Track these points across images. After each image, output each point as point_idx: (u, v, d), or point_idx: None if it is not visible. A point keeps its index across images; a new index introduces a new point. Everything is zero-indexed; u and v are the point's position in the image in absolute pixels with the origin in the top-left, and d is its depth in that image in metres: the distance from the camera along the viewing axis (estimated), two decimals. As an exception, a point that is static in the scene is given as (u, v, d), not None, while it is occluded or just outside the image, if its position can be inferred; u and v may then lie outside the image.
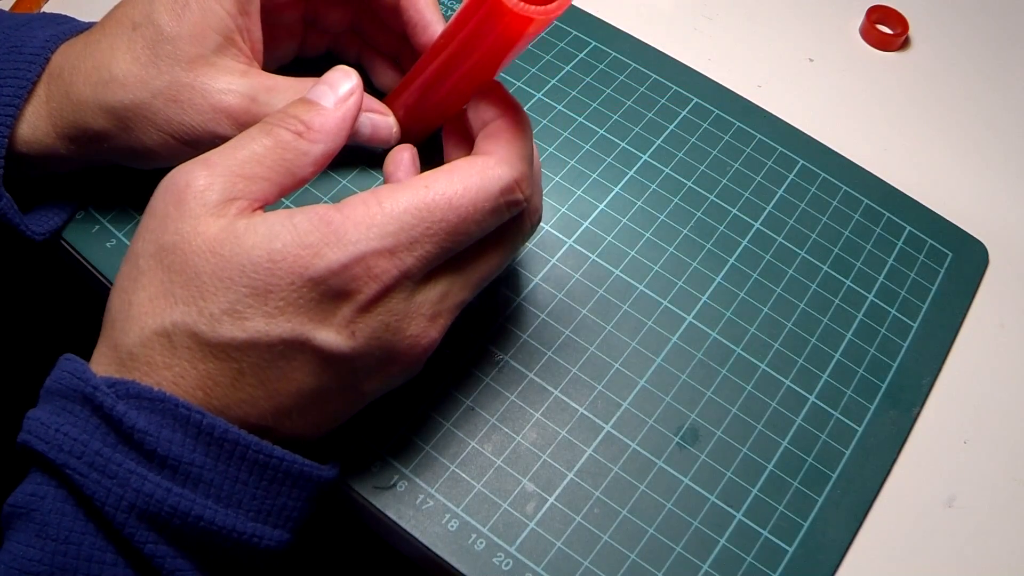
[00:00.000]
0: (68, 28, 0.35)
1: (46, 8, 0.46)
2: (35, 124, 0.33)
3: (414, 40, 0.36)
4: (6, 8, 0.45)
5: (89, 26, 0.35)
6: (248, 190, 0.27)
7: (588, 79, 0.43)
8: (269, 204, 0.28)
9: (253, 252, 0.25)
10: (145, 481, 0.25)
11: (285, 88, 0.34)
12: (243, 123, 0.33)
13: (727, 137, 0.41)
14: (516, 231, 0.29)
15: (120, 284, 0.27)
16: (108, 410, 0.25)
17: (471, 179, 0.27)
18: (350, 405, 0.29)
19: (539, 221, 0.31)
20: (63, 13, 0.37)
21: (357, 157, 0.39)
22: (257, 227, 0.26)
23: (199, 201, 0.26)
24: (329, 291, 0.25)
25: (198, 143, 0.33)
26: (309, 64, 0.40)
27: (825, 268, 0.38)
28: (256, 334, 0.25)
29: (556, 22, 0.45)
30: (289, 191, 0.28)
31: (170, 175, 0.27)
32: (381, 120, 0.37)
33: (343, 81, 0.30)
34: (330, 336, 0.26)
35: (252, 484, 0.26)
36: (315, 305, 0.26)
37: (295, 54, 0.40)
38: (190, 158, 0.34)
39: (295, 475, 0.27)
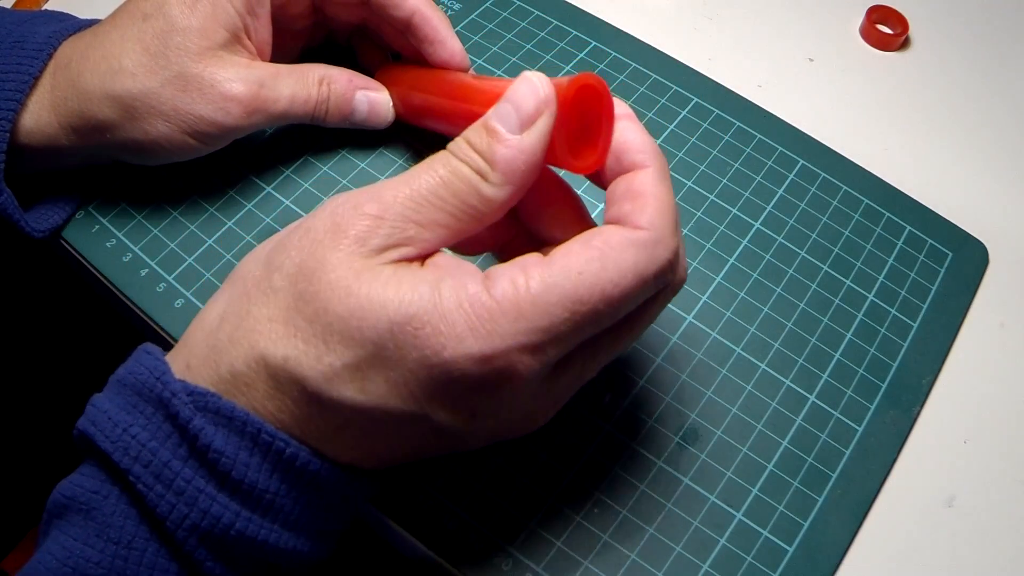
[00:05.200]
0: (70, 25, 0.35)
1: (47, 7, 0.46)
2: (38, 115, 0.33)
3: (430, 55, 0.36)
4: (7, 7, 0.45)
5: (90, 23, 0.36)
6: (420, 236, 0.24)
7: (588, 79, 0.43)
8: (445, 248, 0.26)
9: (389, 307, 0.23)
10: (214, 503, 0.24)
11: (288, 74, 0.34)
12: (251, 110, 0.33)
13: (727, 137, 0.41)
14: (661, 302, 0.26)
15: (244, 285, 0.25)
16: (184, 422, 0.24)
17: (626, 264, 0.23)
18: (443, 454, 0.27)
19: (683, 283, 0.27)
20: (64, 11, 0.37)
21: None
22: (402, 280, 0.23)
23: (359, 241, 0.24)
24: (463, 378, 0.23)
25: (205, 135, 0.33)
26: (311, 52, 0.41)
27: (825, 268, 0.38)
28: (375, 400, 0.24)
29: (556, 22, 0.45)
30: (468, 235, 0.25)
31: (343, 197, 0.25)
32: (378, 98, 0.37)
33: (527, 97, 0.24)
34: (450, 418, 0.24)
35: (320, 508, 0.26)
36: (444, 387, 0.23)
37: (301, 52, 0.40)
38: (194, 152, 0.34)
39: (355, 500, 0.27)
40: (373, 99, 0.36)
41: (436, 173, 0.24)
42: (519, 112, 0.24)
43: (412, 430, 0.25)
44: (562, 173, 0.29)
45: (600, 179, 0.27)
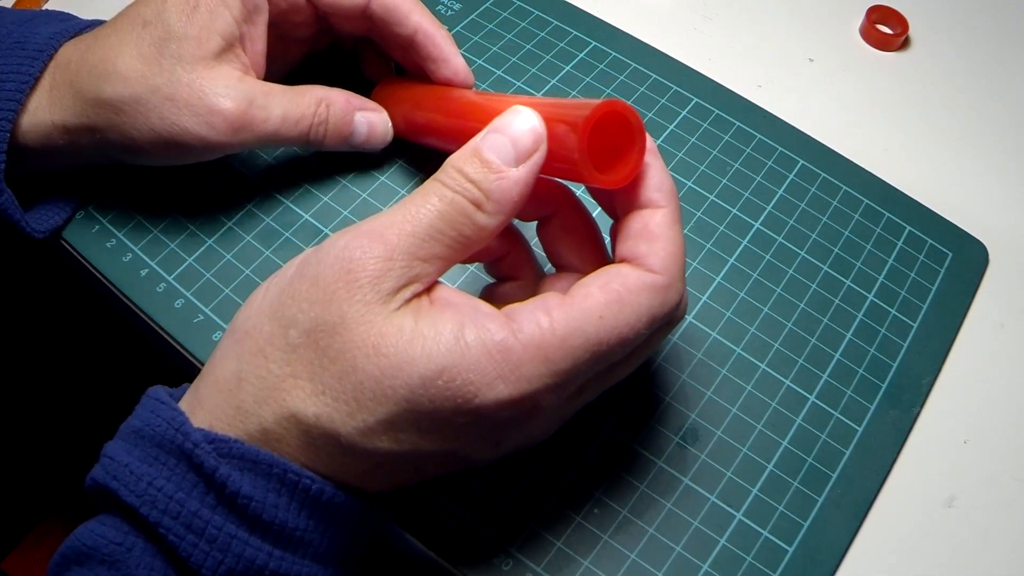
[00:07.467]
0: (71, 25, 0.35)
1: (47, 6, 0.46)
2: (36, 115, 0.33)
3: (433, 73, 0.36)
4: (8, 6, 0.45)
5: (91, 23, 0.36)
6: (425, 272, 0.25)
7: (588, 79, 0.43)
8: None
9: (419, 365, 0.23)
10: (247, 546, 0.24)
11: (280, 94, 0.34)
12: (238, 127, 0.33)
13: (727, 137, 0.41)
14: (663, 334, 0.28)
15: (256, 342, 0.25)
16: (210, 471, 0.24)
17: (641, 307, 0.25)
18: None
19: (684, 317, 0.28)
20: (65, 11, 0.37)
21: (355, 161, 0.39)
22: (425, 334, 0.24)
23: (374, 288, 0.24)
24: (493, 419, 0.24)
25: (187, 148, 0.33)
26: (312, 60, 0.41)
27: (825, 268, 0.38)
28: (410, 447, 0.24)
29: (556, 22, 0.45)
30: (459, 261, 0.26)
31: (346, 239, 0.25)
32: (377, 119, 0.37)
33: (525, 133, 0.25)
34: (477, 450, 0.26)
35: (347, 537, 0.27)
36: (475, 428, 0.25)
37: (301, 60, 0.40)
38: (180, 161, 0.34)
39: (377, 524, 0.28)
40: (372, 120, 0.36)
41: (433, 206, 0.25)
42: (516, 147, 0.25)
43: (440, 461, 0.26)
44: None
45: (611, 206, 0.28)
